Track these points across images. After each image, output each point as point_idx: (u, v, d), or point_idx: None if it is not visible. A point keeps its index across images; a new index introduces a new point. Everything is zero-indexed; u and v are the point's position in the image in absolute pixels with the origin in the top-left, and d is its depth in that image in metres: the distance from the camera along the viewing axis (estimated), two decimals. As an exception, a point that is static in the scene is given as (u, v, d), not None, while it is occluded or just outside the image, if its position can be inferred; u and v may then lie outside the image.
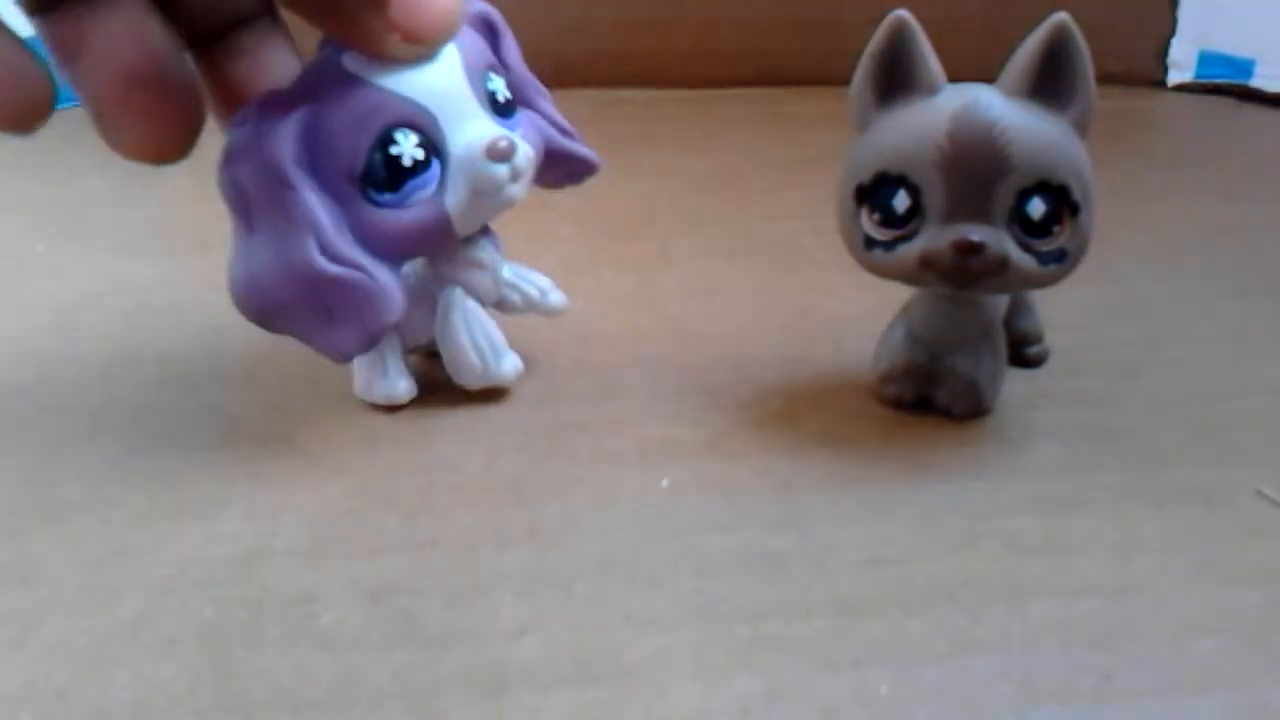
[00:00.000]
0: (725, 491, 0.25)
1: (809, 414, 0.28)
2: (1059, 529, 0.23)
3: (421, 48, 0.24)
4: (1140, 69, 0.62)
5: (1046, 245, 0.24)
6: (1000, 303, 0.27)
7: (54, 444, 0.26)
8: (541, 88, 0.28)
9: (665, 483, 0.25)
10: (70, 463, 0.25)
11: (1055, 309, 0.30)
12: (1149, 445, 0.26)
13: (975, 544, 0.23)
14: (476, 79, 0.25)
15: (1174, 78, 0.63)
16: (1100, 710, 0.19)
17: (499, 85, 0.26)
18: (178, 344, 0.31)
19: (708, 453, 0.26)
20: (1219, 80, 0.61)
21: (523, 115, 0.27)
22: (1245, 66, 0.60)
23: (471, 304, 0.27)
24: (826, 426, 0.27)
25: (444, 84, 0.24)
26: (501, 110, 0.25)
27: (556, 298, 0.29)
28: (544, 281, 0.29)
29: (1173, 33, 0.62)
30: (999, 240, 0.24)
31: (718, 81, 0.61)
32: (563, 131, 0.28)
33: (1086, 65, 0.24)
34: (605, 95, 0.56)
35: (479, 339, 0.27)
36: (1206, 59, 0.61)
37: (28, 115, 0.22)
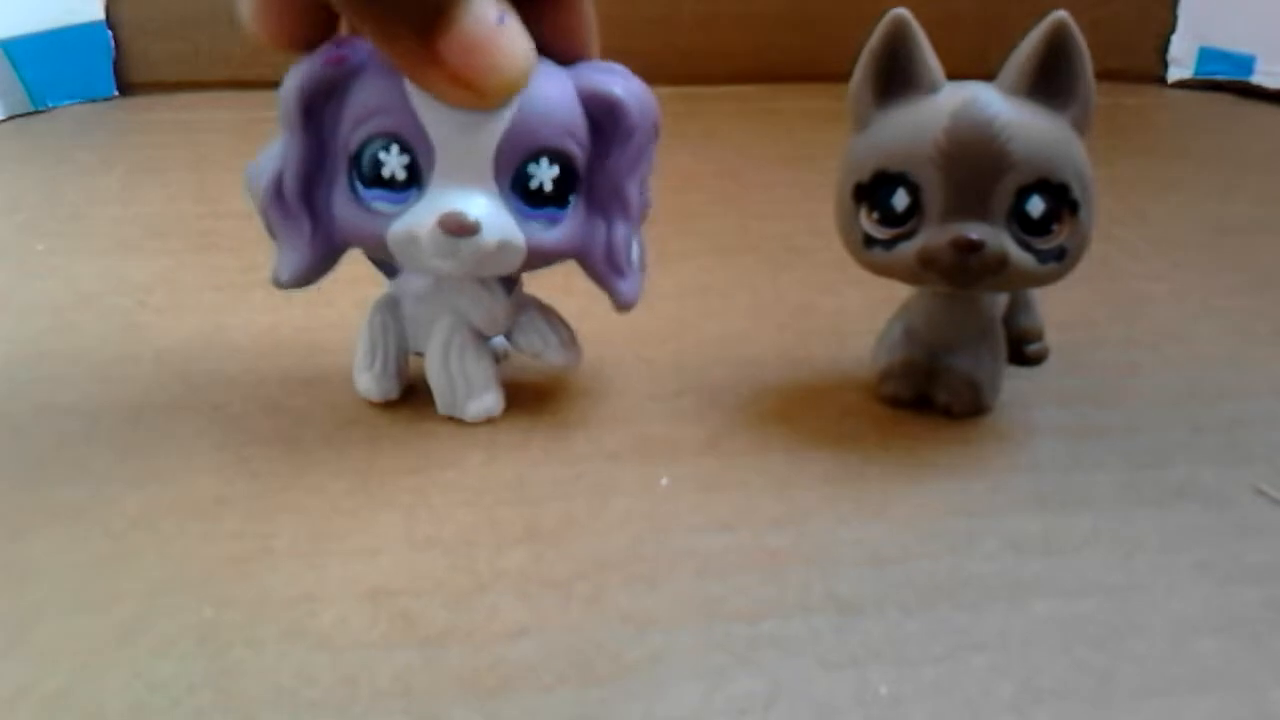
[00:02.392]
0: (724, 491, 0.25)
1: (807, 413, 0.28)
2: (1058, 528, 0.23)
3: (472, 96, 0.22)
4: (1140, 65, 0.63)
5: (1046, 243, 0.24)
6: (999, 301, 0.27)
7: (52, 444, 0.26)
8: (632, 210, 0.25)
9: (665, 481, 0.25)
10: (68, 462, 0.25)
11: (1054, 307, 0.30)
12: (1149, 444, 0.26)
13: (974, 543, 0.23)
14: (514, 153, 0.23)
15: (1174, 74, 0.63)
16: (1100, 709, 0.19)
17: (544, 175, 0.24)
18: (176, 343, 0.31)
19: (706, 452, 0.26)
20: (1219, 77, 0.61)
21: (573, 216, 0.25)
22: (1245, 63, 0.60)
23: (460, 335, 0.26)
24: (825, 425, 0.27)
25: (469, 133, 0.23)
26: (531, 198, 0.24)
27: (559, 356, 0.28)
28: (558, 336, 0.28)
29: (1173, 29, 0.62)
30: (998, 238, 0.24)
31: (715, 79, 0.61)
32: (612, 263, 0.25)
33: (1086, 63, 0.24)
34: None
35: (454, 371, 0.27)
36: (1206, 55, 0.61)
37: (507, 89, 0.23)
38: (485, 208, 0.23)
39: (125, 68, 0.59)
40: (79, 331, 0.32)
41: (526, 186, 0.24)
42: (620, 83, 0.25)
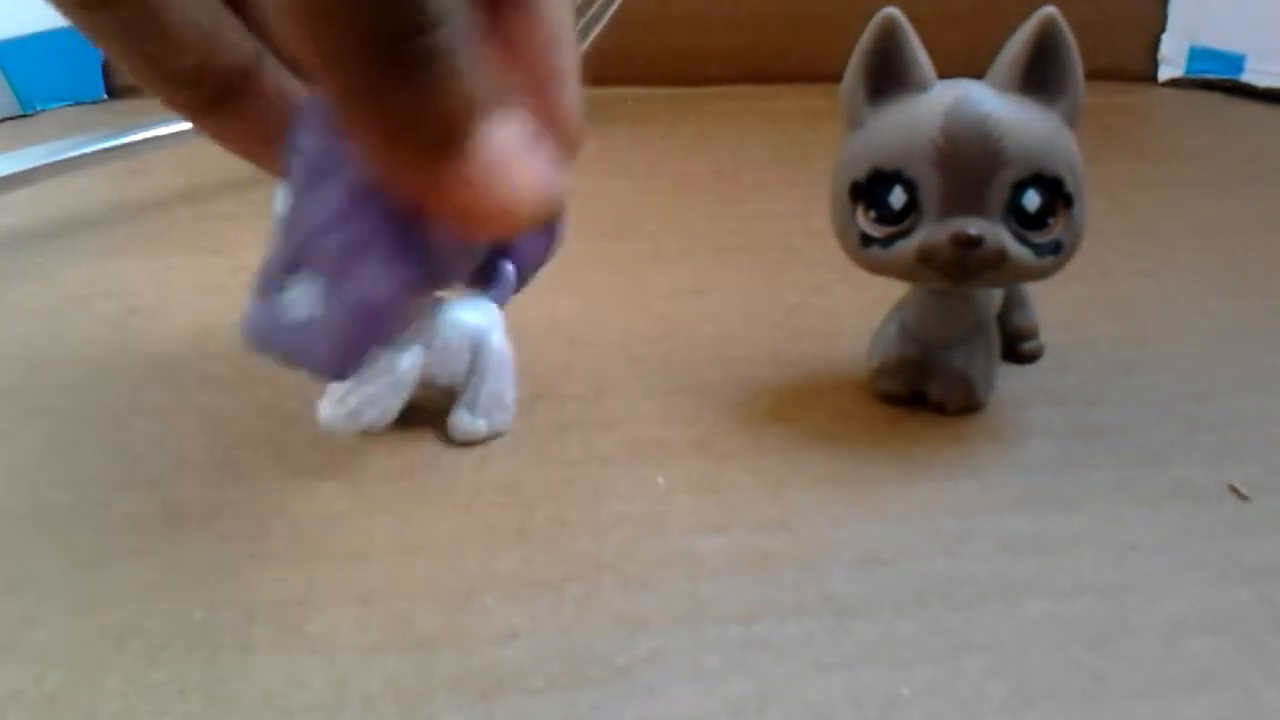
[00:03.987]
0: (717, 492, 0.24)
1: (801, 413, 0.28)
2: (1051, 528, 0.23)
3: (470, 228, 0.19)
4: (1131, 65, 0.63)
5: (1042, 237, 0.24)
6: (993, 298, 0.27)
7: (42, 447, 0.26)
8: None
9: (662, 480, 0.25)
10: (59, 466, 0.25)
11: (1046, 306, 0.30)
12: (1141, 443, 0.26)
13: (968, 543, 0.23)
14: None
15: (1164, 73, 0.63)
16: (1094, 710, 0.19)
17: None
18: (167, 346, 0.31)
19: (699, 453, 0.26)
20: (1209, 75, 0.61)
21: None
22: (1235, 62, 0.60)
23: None
24: (818, 425, 0.27)
25: None
26: None
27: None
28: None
29: (1163, 28, 0.62)
30: (996, 233, 0.24)
31: (708, 79, 0.61)
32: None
33: (1074, 58, 0.24)
34: (595, 94, 0.56)
35: None
36: (1197, 54, 0.62)
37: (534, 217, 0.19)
38: None
39: (114, 70, 0.58)
40: (68, 334, 0.32)
41: None
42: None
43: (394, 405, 0.25)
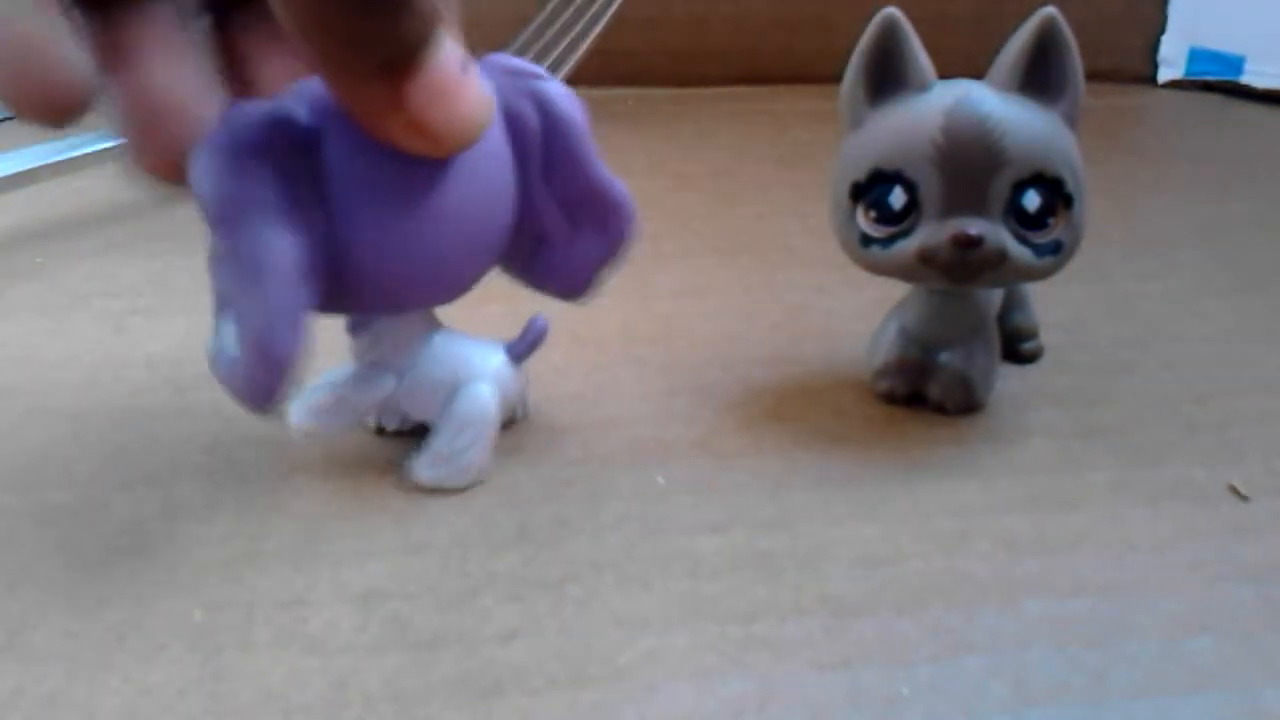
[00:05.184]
0: (716, 491, 0.24)
1: (800, 413, 0.28)
2: (1051, 528, 0.23)
3: (429, 145, 0.20)
4: (1131, 66, 0.63)
5: (1042, 237, 0.24)
6: (993, 298, 0.27)
7: (42, 446, 0.26)
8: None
9: (662, 480, 0.25)
10: (58, 465, 0.25)
11: (1046, 307, 0.30)
12: (1141, 443, 0.26)
13: (967, 543, 0.23)
14: None
15: (1164, 74, 0.63)
16: (1094, 709, 0.19)
17: None
18: (166, 346, 0.31)
19: (699, 453, 0.26)
20: (1209, 77, 0.61)
21: None
22: (1235, 63, 0.60)
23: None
24: (818, 425, 0.27)
25: None
26: None
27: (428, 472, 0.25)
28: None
29: (1163, 30, 0.62)
30: (996, 233, 0.24)
31: (708, 80, 0.61)
32: None
33: (1075, 58, 0.24)
34: (595, 94, 0.56)
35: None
36: (1196, 56, 0.62)
37: (59, 108, 0.19)
38: None
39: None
40: (68, 334, 0.32)
41: None
42: None
43: (337, 422, 0.25)
